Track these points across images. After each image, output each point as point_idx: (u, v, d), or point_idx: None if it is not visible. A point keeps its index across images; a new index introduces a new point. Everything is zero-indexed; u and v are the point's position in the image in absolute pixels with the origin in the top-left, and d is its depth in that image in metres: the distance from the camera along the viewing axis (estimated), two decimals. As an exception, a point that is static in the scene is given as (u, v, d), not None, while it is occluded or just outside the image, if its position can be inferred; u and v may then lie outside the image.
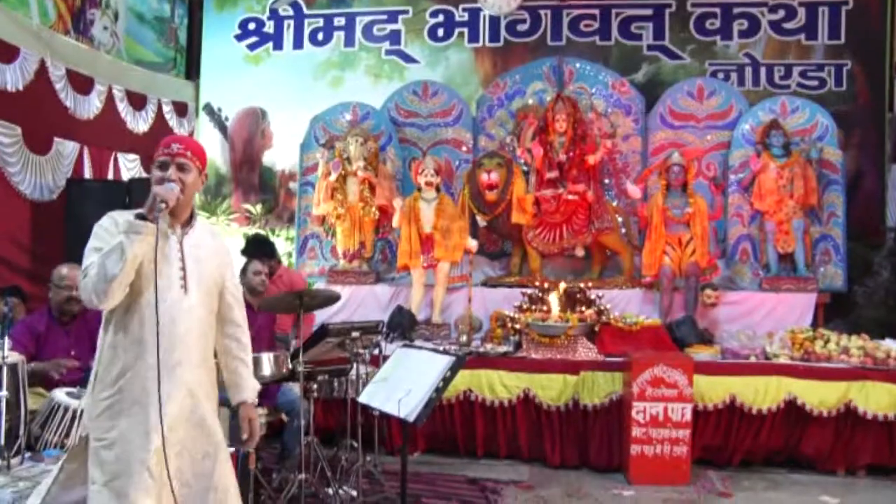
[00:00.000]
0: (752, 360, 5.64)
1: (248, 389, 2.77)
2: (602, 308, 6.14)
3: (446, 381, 3.64)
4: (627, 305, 6.59)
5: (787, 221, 6.76)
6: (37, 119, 6.24)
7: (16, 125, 6.00)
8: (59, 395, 3.42)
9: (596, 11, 8.24)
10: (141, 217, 2.36)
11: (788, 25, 8.03)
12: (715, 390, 5.39)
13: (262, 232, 7.99)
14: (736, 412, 5.39)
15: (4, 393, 3.00)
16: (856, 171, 7.82)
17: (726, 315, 6.53)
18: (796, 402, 5.33)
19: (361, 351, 4.66)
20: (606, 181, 7.49)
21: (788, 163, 6.78)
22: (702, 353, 5.75)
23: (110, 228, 2.43)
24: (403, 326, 6.29)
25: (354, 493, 4.46)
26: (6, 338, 3.14)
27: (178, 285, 2.51)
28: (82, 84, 6.85)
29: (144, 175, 7.61)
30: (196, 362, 2.55)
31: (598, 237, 7.00)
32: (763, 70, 8.02)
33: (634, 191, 6.85)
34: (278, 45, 8.90)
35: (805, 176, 6.76)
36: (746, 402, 5.36)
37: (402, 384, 3.72)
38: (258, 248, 5.75)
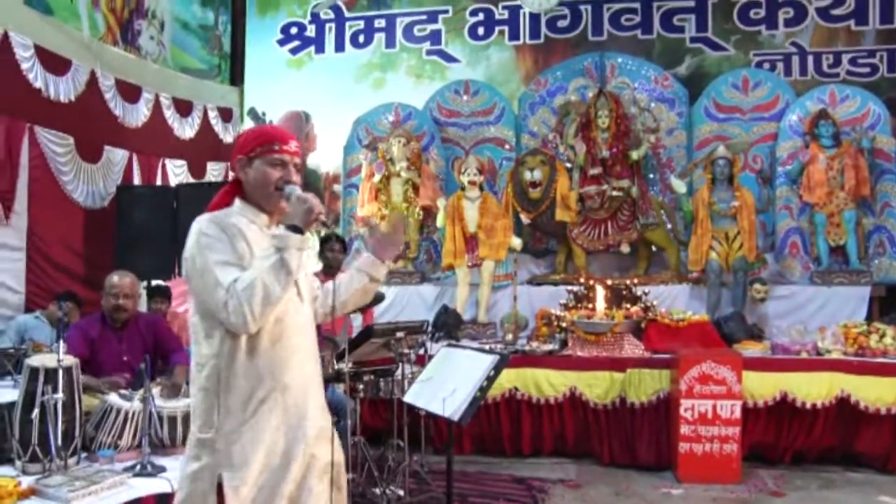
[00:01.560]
0: (804, 355, 5.51)
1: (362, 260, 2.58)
2: (648, 304, 6.09)
3: (490, 380, 3.61)
4: (674, 301, 6.52)
5: (837, 213, 6.60)
6: (88, 128, 6.41)
7: (68, 135, 6.18)
8: (113, 397, 3.50)
9: (637, 5, 8.10)
10: (295, 229, 2.12)
11: (837, 11, 7.80)
12: (765, 387, 5.29)
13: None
14: (787, 409, 5.28)
15: (61, 395, 3.07)
16: (911, 160, 7.57)
17: (776, 310, 6.41)
18: (850, 399, 5.19)
19: (407, 351, 4.67)
20: (651, 176, 7.41)
21: (838, 153, 6.62)
22: (751, 349, 5.65)
23: (221, 236, 2.15)
24: (449, 326, 6.31)
25: (401, 492, 4.48)
26: (62, 341, 3.22)
27: (295, 293, 2.27)
28: (130, 93, 7.02)
29: (192, 180, 7.77)
30: (319, 375, 2.36)
31: (643, 233, 6.95)
32: (810, 58, 7.80)
33: (679, 185, 6.75)
34: (320, 49, 8.98)
35: (856, 166, 6.58)
36: (798, 399, 5.24)
37: (446, 383, 3.71)
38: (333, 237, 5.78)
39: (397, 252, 2.56)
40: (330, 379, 4.56)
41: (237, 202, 2.29)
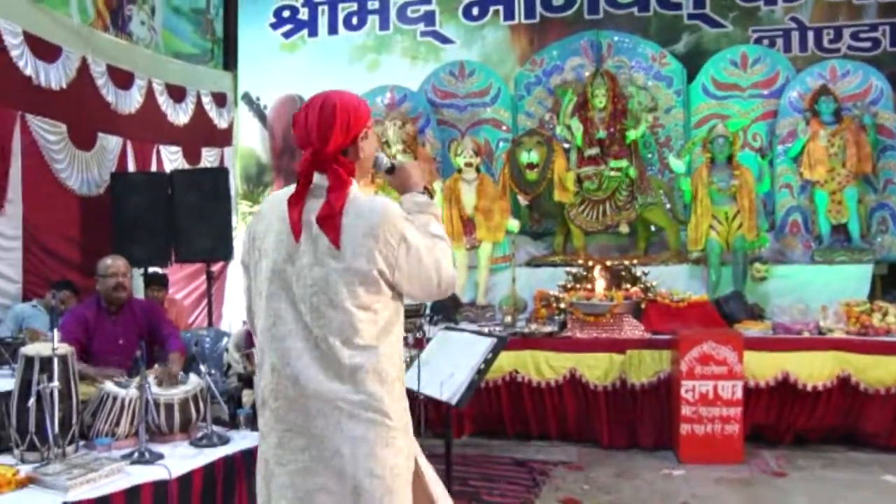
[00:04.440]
0: (806, 335, 5.50)
1: None
2: (648, 285, 6.08)
3: (488, 363, 3.64)
4: (674, 282, 6.49)
5: (839, 191, 6.60)
6: (80, 115, 6.37)
7: (61, 123, 6.14)
8: (109, 385, 3.51)
9: (634, -19, 8.06)
10: (428, 193, 2.22)
11: (837, -15, 7.74)
12: (766, 367, 5.29)
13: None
14: (789, 389, 5.28)
15: (56, 383, 3.07)
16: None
17: (777, 289, 6.40)
18: (852, 378, 5.19)
19: (404, 334, 4.67)
20: (649, 156, 7.39)
21: (839, 129, 6.60)
22: (752, 329, 5.65)
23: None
24: (447, 308, 6.31)
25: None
26: (56, 330, 3.23)
27: None
28: (123, 79, 6.96)
29: (186, 166, 7.74)
30: None
31: (641, 213, 6.94)
32: (811, 34, 7.73)
33: (678, 164, 6.74)
34: (313, 32, 8.92)
35: (858, 142, 6.56)
36: (800, 379, 5.24)
37: (444, 367, 3.74)
38: None
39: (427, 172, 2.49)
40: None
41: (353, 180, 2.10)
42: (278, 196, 2.11)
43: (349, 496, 1.98)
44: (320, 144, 2.02)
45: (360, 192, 2.08)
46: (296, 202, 2.03)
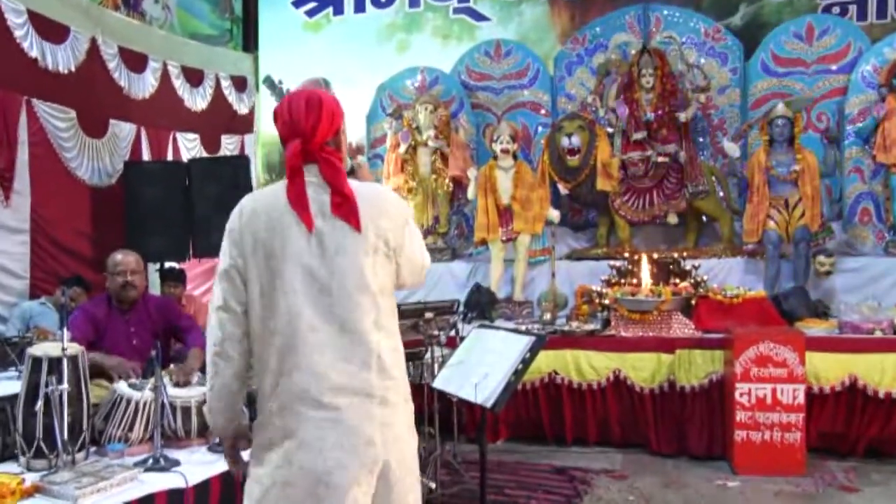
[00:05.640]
0: (878, 334, 5.34)
1: None
2: (698, 280, 6.00)
3: (526, 363, 3.59)
4: (727, 276, 6.43)
5: (918, 174, 6.41)
6: (91, 101, 6.44)
7: (70, 108, 6.21)
8: (123, 387, 3.52)
9: (685, -52, 7.92)
10: None
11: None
12: (832, 370, 5.17)
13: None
14: (858, 395, 5.15)
15: (65, 386, 3.09)
16: None
17: (844, 284, 6.27)
18: (932, 383, 5.05)
19: (436, 333, 4.66)
20: (700, 140, 7.29)
21: (921, 106, 6.39)
22: (815, 328, 5.54)
23: None
24: (482, 305, 6.31)
25: (433, 484, 4.47)
26: (65, 328, 3.24)
27: None
28: (136, 61, 7.03)
29: (205, 154, 7.80)
30: None
31: (692, 202, 6.84)
32: (891, -1, 7.49)
33: (732, 149, 6.64)
34: (339, 10, 8.94)
35: (942, 120, 6.36)
36: (870, 384, 5.10)
37: (478, 367, 3.69)
38: None
39: None
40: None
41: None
42: (267, 194, 2.21)
43: (381, 484, 2.09)
44: (310, 134, 2.17)
45: (352, 180, 2.23)
46: (299, 194, 2.13)
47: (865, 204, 6.80)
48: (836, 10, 7.51)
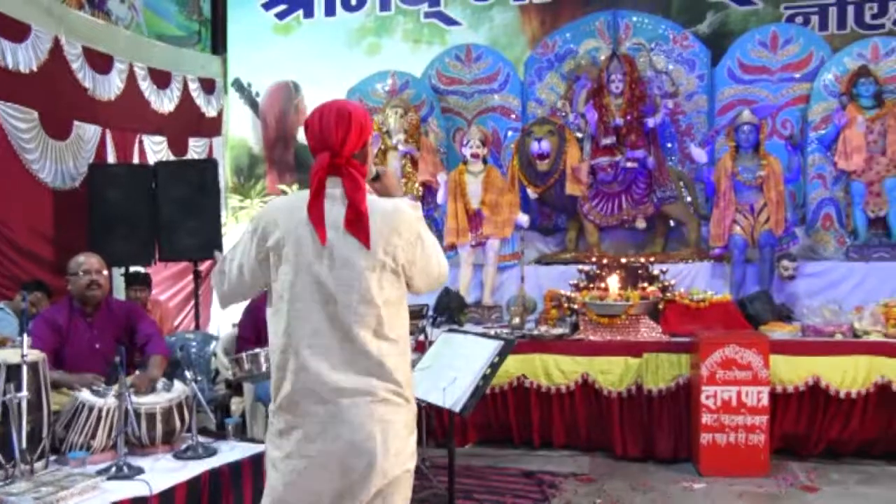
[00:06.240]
0: (839, 337, 5.44)
1: None
2: (666, 284, 6.06)
3: (494, 367, 3.61)
4: (694, 280, 6.48)
5: (877, 181, 6.51)
6: (54, 101, 6.33)
7: (32, 109, 6.10)
8: (85, 394, 3.48)
9: (654, -44, 7.98)
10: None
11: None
12: (795, 372, 5.24)
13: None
14: (820, 396, 5.23)
15: (25, 393, 3.04)
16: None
17: (807, 288, 6.34)
18: (892, 385, 5.13)
19: (405, 338, 4.65)
20: (668, 145, 7.32)
21: (880, 114, 6.50)
22: (779, 332, 5.62)
23: None
24: (451, 309, 6.30)
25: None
26: (26, 334, 3.19)
27: None
28: (101, 62, 6.93)
29: (172, 158, 7.72)
30: None
31: (660, 207, 6.88)
32: (851, 10, 7.53)
33: (700, 154, 6.71)
34: (309, 13, 8.89)
35: (900, 128, 6.47)
36: (832, 386, 5.18)
37: (446, 372, 3.70)
38: None
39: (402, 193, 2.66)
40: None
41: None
42: (287, 204, 2.31)
43: (381, 483, 2.19)
44: (339, 147, 2.25)
45: (372, 194, 2.34)
46: (317, 207, 2.22)
47: (828, 209, 6.88)
48: (800, 19, 7.63)
